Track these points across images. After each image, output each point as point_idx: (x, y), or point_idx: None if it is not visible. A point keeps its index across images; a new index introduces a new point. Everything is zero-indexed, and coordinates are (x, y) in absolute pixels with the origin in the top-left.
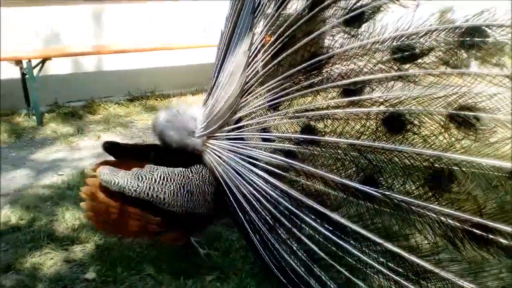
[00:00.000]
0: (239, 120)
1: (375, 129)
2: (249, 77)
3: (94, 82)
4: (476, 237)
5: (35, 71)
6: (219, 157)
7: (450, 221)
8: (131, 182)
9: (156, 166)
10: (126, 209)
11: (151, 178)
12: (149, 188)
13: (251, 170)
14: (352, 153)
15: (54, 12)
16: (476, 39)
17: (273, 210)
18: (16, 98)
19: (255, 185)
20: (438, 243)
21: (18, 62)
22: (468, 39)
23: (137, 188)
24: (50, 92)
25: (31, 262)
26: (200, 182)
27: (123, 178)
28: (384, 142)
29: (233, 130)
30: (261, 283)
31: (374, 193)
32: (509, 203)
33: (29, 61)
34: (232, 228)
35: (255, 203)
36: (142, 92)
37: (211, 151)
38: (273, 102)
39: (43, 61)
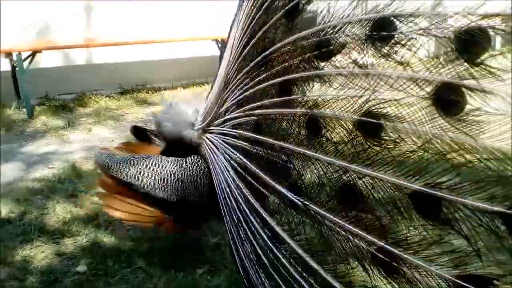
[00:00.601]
0: (225, 114)
1: (298, 132)
2: (229, 71)
3: (85, 75)
4: (382, 263)
5: (25, 64)
6: (210, 150)
7: (357, 241)
8: (122, 166)
9: (150, 154)
10: (123, 192)
11: (143, 164)
12: (139, 172)
13: (226, 167)
14: (282, 157)
15: (45, 5)
16: (383, 32)
17: (236, 209)
18: (6, 91)
19: (228, 183)
20: (351, 264)
21: (8, 54)
22: (375, 33)
23: (128, 172)
24: (40, 85)
25: (22, 255)
26: (193, 173)
27: (115, 162)
28: (304, 147)
29: (221, 124)
30: None
31: (297, 201)
32: (415, 228)
33: (19, 53)
34: (221, 222)
35: (228, 201)
36: (133, 85)
37: (206, 144)
38: (239, 98)
39: (33, 54)
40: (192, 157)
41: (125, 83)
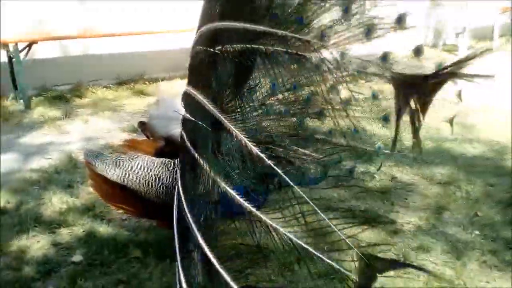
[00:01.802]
0: None
1: None
2: None
3: (82, 66)
4: None
5: (22, 55)
6: None
7: None
8: (109, 167)
9: (137, 154)
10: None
11: (128, 166)
12: (125, 174)
13: None
14: None
15: None
16: None
17: None
18: (3, 82)
19: None
20: None
21: (5, 45)
22: None
23: (114, 173)
24: (37, 75)
25: (18, 245)
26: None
27: (103, 162)
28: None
29: None
30: None
31: None
32: None
33: (16, 44)
34: None
35: None
36: (131, 76)
37: None
38: None
39: (30, 45)
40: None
41: (122, 74)
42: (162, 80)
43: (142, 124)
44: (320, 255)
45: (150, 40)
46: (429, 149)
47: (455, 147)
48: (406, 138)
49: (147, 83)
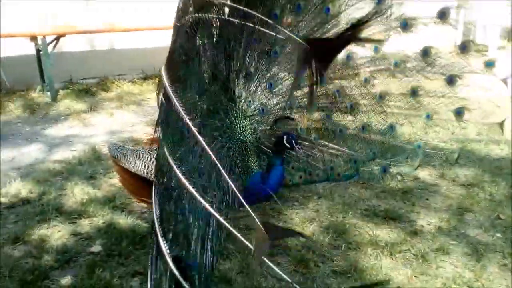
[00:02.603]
0: None
1: None
2: None
3: (108, 60)
4: None
5: (50, 48)
6: None
7: None
8: (130, 159)
9: (156, 147)
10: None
11: (148, 158)
12: (144, 166)
13: None
14: None
15: None
16: None
17: None
18: (31, 74)
19: None
20: None
21: (33, 38)
22: None
23: (134, 165)
24: (64, 68)
25: (39, 234)
26: None
27: (125, 155)
28: None
29: None
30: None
31: None
32: None
33: (44, 37)
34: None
35: None
36: (156, 70)
37: None
38: None
39: (58, 38)
40: None
41: (148, 69)
42: None
43: None
44: (236, 233)
45: None
46: (454, 150)
47: (481, 148)
48: (438, 139)
49: None
